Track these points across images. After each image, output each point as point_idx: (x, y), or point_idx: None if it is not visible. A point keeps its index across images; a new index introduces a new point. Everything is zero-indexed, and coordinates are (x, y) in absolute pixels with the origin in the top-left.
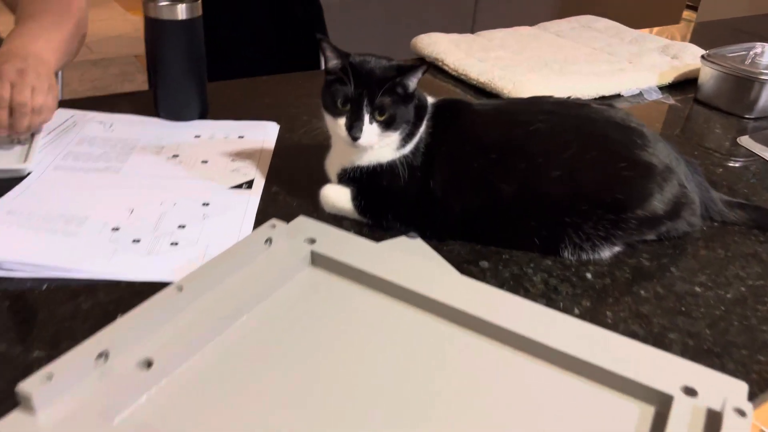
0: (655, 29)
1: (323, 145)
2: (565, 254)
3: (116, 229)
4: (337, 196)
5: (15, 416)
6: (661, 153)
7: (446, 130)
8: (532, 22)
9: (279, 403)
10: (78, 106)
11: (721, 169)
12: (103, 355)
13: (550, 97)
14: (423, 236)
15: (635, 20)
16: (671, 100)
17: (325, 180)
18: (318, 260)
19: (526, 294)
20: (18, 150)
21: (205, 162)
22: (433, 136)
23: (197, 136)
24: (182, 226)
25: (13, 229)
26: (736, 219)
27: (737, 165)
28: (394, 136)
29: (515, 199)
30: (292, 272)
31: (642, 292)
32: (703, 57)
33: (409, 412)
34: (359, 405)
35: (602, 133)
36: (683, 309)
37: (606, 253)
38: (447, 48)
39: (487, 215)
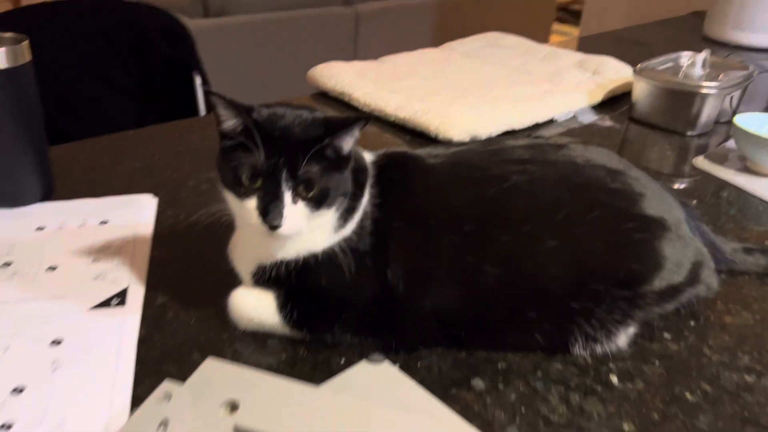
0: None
1: (226, 223)
2: (576, 350)
3: None
4: (256, 305)
5: None
6: (664, 201)
7: (399, 198)
8: (413, 47)
9: None
10: None
11: (694, 201)
12: None
13: (515, 142)
14: (387, 350)
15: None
16: (607, 121)
17: (235, 278)
18: None
19: (548, 425)
20: None
21: (52, 269)
22: (382, 208)
23: (40, 228)
24: (18, 390)
25: None
26: (745, 267)
27: (706, 193)
28: (329, 215)
29: (503, 283)
30: None
31: (687, 394)
32: (635, 72)
33: None
34: None
35: (596, 184)
36: (746, 414)
37: (622, 339)
38: (352, 80)
39: (470, 311)
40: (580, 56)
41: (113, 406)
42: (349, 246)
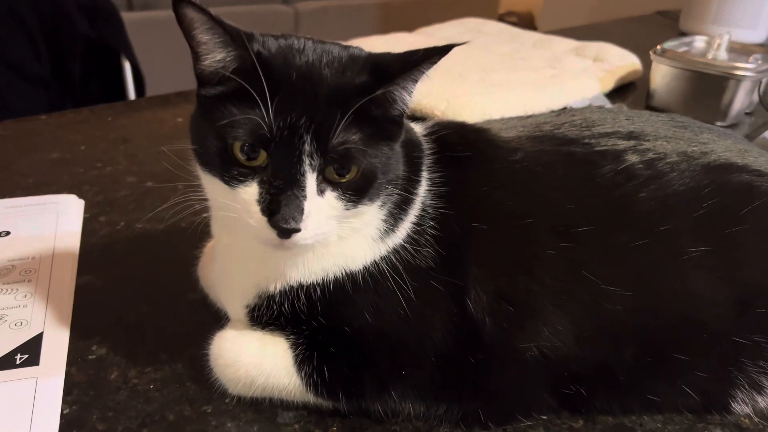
0: None
1: (183, 229)
2: (735, 406)
3: None
4: (259, 358)
5: None
6: None
7: (472, 186)
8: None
9: None
10: None
11: None
12: None
13: (596, 107)
14: (470, 423)
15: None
16: (624, 109)
17: (211, 312)
18: None
19: None
20: None
21: None
22: (449, 201)
23: None
24: None
25: None
26: None
27: None
28: (371, 213)
29: (636, 311)
30: None
31: None
32: (655, 54)
33: None
34: None
35: (735, 164)
36: None
37: None
38: None
39: (590, 354)
40: (574, 43)
41: None
42: (404, 261)
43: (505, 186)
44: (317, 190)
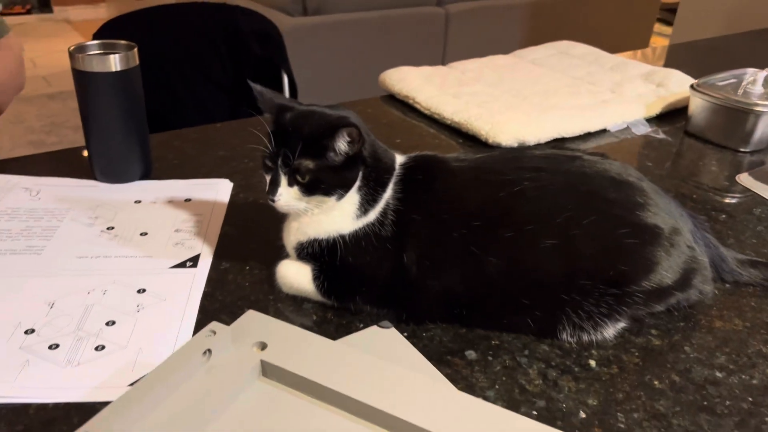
0: (638, 52)
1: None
2: (564, 336)
3: (30, 331)
4: (296, 275)
5: None
6: (664, 212)
7: (420, 194)
8: (503, 48)
9: None
10: (5, 170)
11: (724, 216)
12: None
13: (536, 148)
14: (398, 320)
15: (604, 45)
16: (660, 134)
17: (284, 253)
18: (270, 371)
19: (523, 393)
20: None
21: (144, 234)
22: (405, 202)
23: (138, 201)
24: (111, 323)
25: None
26: (750, 279)
27: (739, 209)
28: (339, 203)
29: (504, 274)
30: (238, 389)
31: (656, 382)
32: (692, 87)
33: None
34: None
35: (598, 193)
36: (705, 403)
37: (610, 331)
38: (418, 84)
39: (472, 294)
40: (648, 68)
41: (178, 341)
42: (372, 232)
43: (438, 196)
44: (287, 184)
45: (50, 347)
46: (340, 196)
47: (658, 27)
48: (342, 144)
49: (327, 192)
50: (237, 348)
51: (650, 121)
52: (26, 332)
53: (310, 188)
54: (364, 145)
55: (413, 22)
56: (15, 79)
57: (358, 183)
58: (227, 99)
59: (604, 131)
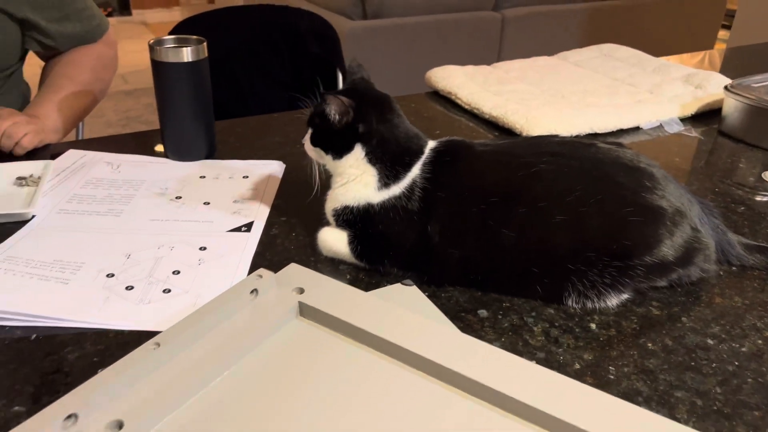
0: (687, 55)
1: (326, 186)
2: (569, 302)
3: (111, 275)
4: (334, 240)
5: None
6: (671, 195)
7: (445, 174)
8: (559, 50)
9: None
10: (91, 147)
11: (742, 208)
12: (72, 417)
13: (556, 136)
14: (421, 282)
15: (667, 46)
16: (693, 133)
17: (325, 222)
18: (306, 311)
19: (525, 346)
20: (24, 194)
21: (207, 204)
22: (431, 181)
23: (202, 177)
24: (177, 272)
25: (9, 277)
26: (755, 263)
27: (761, 203)
28: (329, 159)
29: (516, 245)
30: (279, 324)
31: (649, 344)
32: (726, 88)
33: None
34: None
35: (609, 176)
36: (693, 364)
37: (613, 301)
38: (461, 81)
39: (487, 262)
40: (689, 70)
41: None
42: (399, 204)
43: (461, 175)
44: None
45: (126, 288)
46: (334, 157)
47: (723, 33)
48: (331, 111)
49: (323, 148)
50: (279, 291)
51: (685, 121)
52: (107, 276)
53: (314, 140)
54: (357, 124)
55: (469, 26)
56: (110, 73)
57: (364, 156)
58: (285, 93)
59: (637, 129)
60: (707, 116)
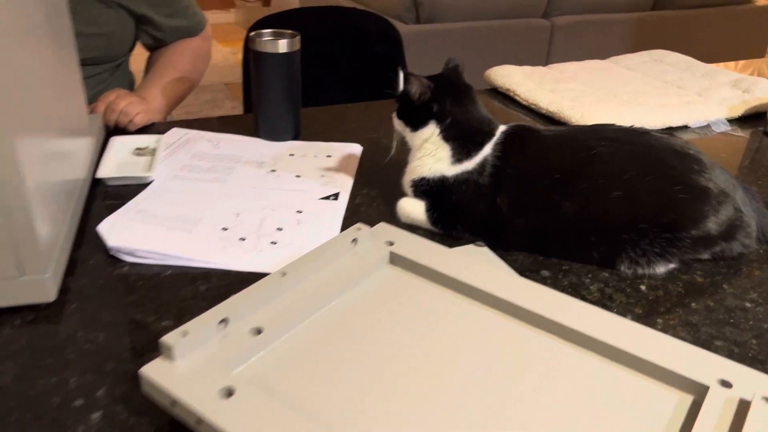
0: (741, 63)
1: (401, 165)
2: (622, 268)
3: (225, 229)
4: (412, 208)
5: (158, 362)
6: (717, 179)
7: (514, 154)
8: (606, 56)
9: (357, 376)
10: (190, 127)
11: None
12: (224, 321)
13: (613, 125)
14: (489, 247)
15: (715, 56)
16: (739, 133)
17: (402, 195)
18: (396, 260)
19: (582, 300)
20: (143, 161)
21: (298, 176)
22: (501, 159)
23: (291, 155)
24: (280, 229)
25: (143, 225)
26: None
27: None
28: (408, 132)
29: (576, 216)
30: (373, 269)
31: (693, 304)
32: None
33: (469, 401)
34: (423, 389)
35: (660, 159)
36: (731, 321)
37: (661, 269)
38: (519, 80)
39: (550, 230)
40: (737, 76)
41: None
42: (472, 179)
43: (528, 154)
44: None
45: (240, 239)
46: (412, 129)
47: None
48: (412, 89)
49: (404, 121)
50: (373, 242)
51: (732, 122)
52: (222, 229)
53: (399, 113)
54: (433, 104)
55: (519, 32)
56: (205, 64)
57: (439, 134)
58: (349, 88)
59: (685, 127)
60: (754, 119)
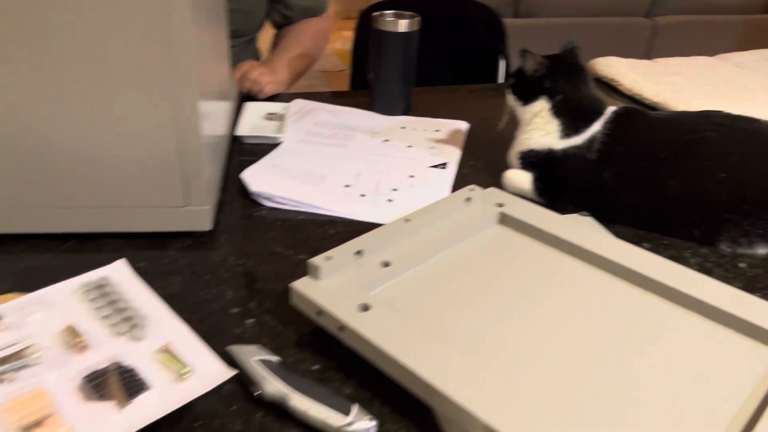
0: None
1: (506, 141)
2: (722, 246)
3: (347, 186)
4: (519, 178)
5: (306, 280)
6: None
7: (623, 132)
8: (713, 51)
9: (472, 312)
10: (311, 99)
11: None
12: (359, 253)
13: (720, 111)
14: (597, 219)
15: None
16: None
17: (507, 168)
18: (506, 220)
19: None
20: (273, 125)
21: (410, 146)
22: (610, 136)
23: (403, 128)
24: (395, 190)
25: (278, 176)
26: None
27: None
28: (519, 106)
29: (680, 194)
30: (484, 226)
31: None
32: None
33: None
34: (530, 330)
35: (766, 145)
36: None
37: (762, 250)
38: (624, 71)
39: (653, 206)
40: None
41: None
42: (580, 153)
43: (635, 133)
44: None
45: (360, 195)
46: (523, 103)
47: None
48: (527, 64)
49: (517, 95)
50: (484, 203)
51: None
52: (345, 186)
53: (513, 87)
54: (545, 80)
55: (619, 30)
56: (325, 43)
57: (550, 109)
58: (450, 74)
59: None
60: None
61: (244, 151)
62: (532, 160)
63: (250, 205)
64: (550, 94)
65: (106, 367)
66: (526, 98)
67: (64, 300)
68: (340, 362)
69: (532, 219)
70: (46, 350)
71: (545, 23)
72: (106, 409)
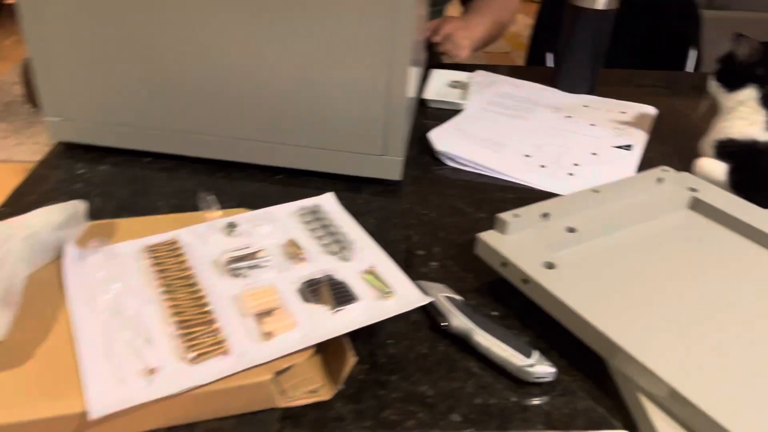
0: None
1: (697, 130)
2: None
3: (528, 156)
4: (712, 167)
5: (492, 233)
6: None
7: None
8: None
9: (657, 291)
10: (494, 72)
11: None
12: (546, 216)
13: None
14: None
15: None
16: None
17: (697, 156)
18: (698, 205)
19: None
20: (457, 92)
21: (593, 125)
22: None
23: (586, 106)
24: (576, 165)
25: (462, 140)
26: None
27: None
28: (722, 93)
29: None
30: (674, 208)
31: None
32: None
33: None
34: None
35: None
36: None
37: None
38: None
39: None
40: None
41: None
42: None
43: None
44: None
45: (540, 166)
46: (727, 90)
47: None
48: (740, 49)
49: (722, 81)
50: (676, 186)
51: None
52: (525, 156)
53: (718, 75)
54: (758, 67)
55: None
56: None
57: (758, 98)
58: (633, 60)
59: None
60: None
61: (429, 115)
62: (730, 150)
63: (433, 162)
64: (761, 83)
65: (320, 278)
66: (732, 85)
67: (285, 218)
68: (520, 312)
69: (730, 208)
70: (273, 256)
71: (742, 17)
72: (321, 311)
